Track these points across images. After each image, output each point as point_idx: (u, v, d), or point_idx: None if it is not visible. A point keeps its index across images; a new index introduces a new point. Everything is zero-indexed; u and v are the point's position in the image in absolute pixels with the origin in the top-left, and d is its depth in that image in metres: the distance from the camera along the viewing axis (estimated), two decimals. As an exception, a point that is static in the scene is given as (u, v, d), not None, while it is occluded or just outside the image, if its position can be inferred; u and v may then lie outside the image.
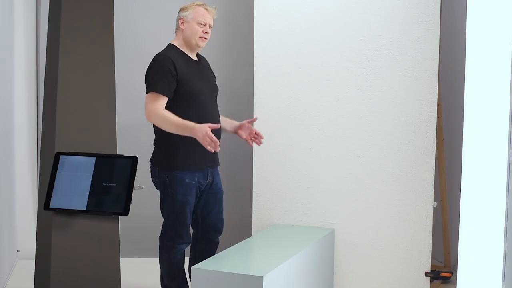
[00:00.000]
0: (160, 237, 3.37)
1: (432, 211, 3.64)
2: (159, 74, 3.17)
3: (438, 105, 3.87)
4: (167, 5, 4.59)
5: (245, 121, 3.42)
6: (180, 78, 3.20)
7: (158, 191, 3.36)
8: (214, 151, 3.04)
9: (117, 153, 3.21)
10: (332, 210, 3.80)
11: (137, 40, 4.59)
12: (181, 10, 3.35)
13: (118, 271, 2.99)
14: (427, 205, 3.63)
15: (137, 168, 3.09)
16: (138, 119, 4.59)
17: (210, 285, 2.84)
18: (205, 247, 3.50)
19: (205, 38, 3.31)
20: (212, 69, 3.55)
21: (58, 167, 3.07)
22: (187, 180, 3.26)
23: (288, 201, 3.89)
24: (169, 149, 3.27)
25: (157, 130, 3.29)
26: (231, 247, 3.27)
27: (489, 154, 2.49)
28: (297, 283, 3.21)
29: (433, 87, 3.61)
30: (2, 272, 3.75)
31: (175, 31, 3.39)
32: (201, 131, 3.00)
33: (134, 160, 3.09)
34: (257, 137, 3.39)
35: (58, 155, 3.10)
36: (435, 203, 3.68)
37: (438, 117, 3.92)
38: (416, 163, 3.64)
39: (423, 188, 3.63)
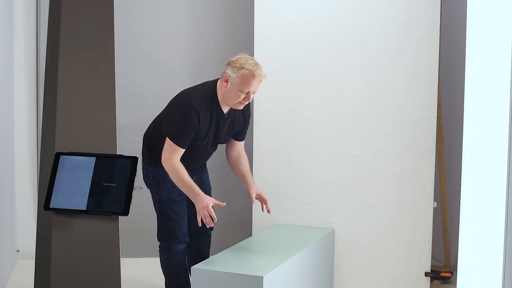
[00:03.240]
0: (157, 238, 3.36)
1: (432, 211, 3.64)
2: (183, 125, 3.04)
3: (438, 105, 3.86)
4: (167, 5, 4.59)
5: (254, 194, 3.33)
6: (198, 132, 3.10)
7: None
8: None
9: (117, 153, 3.21)
10: (332, 210, 3.80)
11: (137, 40, 4.59)
12: (230, 64, 3.04)
13: (118, 271, 2.99)
14: (427, 205, 3.63)
15: (137, 168, 3.09)
16: (138, 119, 4.58)
17: (210, 285, 2.84)
18: (199, 242, 3.48)
19: (244, 104, 3.09)
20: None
21: (58, 167, 3.08)
22: (169, 178, 3.15)
23: (288, 201, 3.88)
24: (154, 146, 3.24)
25: (148, 128, 3.32)
26: (231, 247, 3.27)
27: (489, 154, 2.49)
28: (297, 283, 3.21)
29: (433, 87, 3.61)
30: (2, 272, 3.75)
31: (220, 78, 3.11)
32: (202, 202, 3.01)
33: (134, 160, 3.09)
34: (262, 201, 3.35)
35: (58, 155, 3.10)
36: (435, 203, 3.68)
37: (438, 117, 3.92)
38: (416, 163, 3.64)
39: (423, 188, 3.63)
